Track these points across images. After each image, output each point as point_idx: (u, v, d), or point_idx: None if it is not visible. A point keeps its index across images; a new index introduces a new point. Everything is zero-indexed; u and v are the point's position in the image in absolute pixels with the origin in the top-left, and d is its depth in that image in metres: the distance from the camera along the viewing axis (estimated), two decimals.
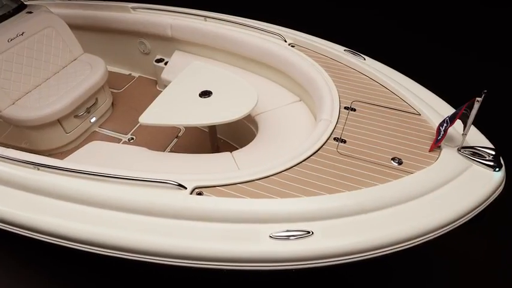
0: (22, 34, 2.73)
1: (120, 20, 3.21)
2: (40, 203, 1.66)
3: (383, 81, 2.20)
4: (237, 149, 2.79)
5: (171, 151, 2.84)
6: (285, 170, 1.69)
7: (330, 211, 1.49)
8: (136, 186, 1.63)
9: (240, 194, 1.58)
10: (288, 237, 1.43)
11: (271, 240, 1.43)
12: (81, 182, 1.66)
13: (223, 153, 2.15)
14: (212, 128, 2.46)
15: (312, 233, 1.44)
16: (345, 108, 2.05)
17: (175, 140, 2.93)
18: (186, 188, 1.59)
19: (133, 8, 3.17)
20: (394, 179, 1.63)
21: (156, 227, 1.52)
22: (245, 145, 2.71)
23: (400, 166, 1.71)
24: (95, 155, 2.17)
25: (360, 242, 1.41)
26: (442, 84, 2.41)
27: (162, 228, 1.51)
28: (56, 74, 2.94)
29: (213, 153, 2.55)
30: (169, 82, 2.88)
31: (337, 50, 2.46)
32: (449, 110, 2.04)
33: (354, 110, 2.04)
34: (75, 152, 2.21)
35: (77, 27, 3.28)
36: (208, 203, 1.53)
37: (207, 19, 2.91)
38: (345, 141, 1.84)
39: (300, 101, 2.56)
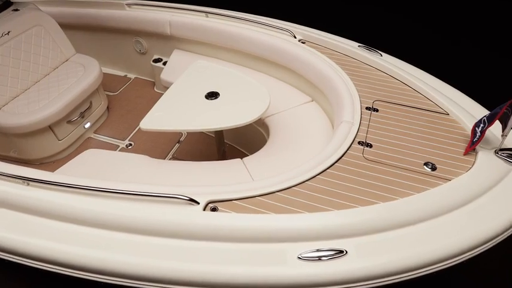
0: (8, 33, 2.51)
1: (114, 18, 3.00)
2: (30, 224, 1.45)
3: (404, 78, 2.03)
4: (245, 154, 2.62)
5: (172, 157, 2.64)
6: (308, 180, 1.51)
7: (364, 226, 1.32)
8: (140, 202, 1.44)
9: (260, 208, 1.39)
10: (319, 258, 1.25)
11: (300, 262, 1.25)
12: (77, 199, 1.46)
13: (233, 160, 1.96)
14: (219, 132, 2.27)
15: (346, 252, 1.26)
16: (367, 108, 1.87)
17: (177, 145, 2.73)
18: (198, 203, 1.40)
19: (129, 5, 2.96)
20: (431, 187, 1.46)
21: (166, 250, 1.32)
22: (253, 150, 2.53)
23: (434, 172, 1.54)
24: (91, 164, 1.97)
25: (402, 261, 1.24)
26: (463, 81, 2.25)
27: (173, 251, 1.31)
28: (46, 76, 2.72)
29: (220, 159, 2.37)
30: (169, 83, 2.69)
31: (351, 46, 2.29)
32: (478, 109, 1.88)
33: (377, 110, 1.86)
34: (69, 162, 2.00)
35: (68, 26, 3.06)
36: (225, 219, 1.34)
37: (209, 15, 2.72)
38: (370, 146, 1.67)
39: (312, 101, 2.39)
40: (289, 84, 2.52)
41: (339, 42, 2.33)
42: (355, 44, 2.33)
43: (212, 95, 2.01)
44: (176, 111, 1.93)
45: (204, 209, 1.39)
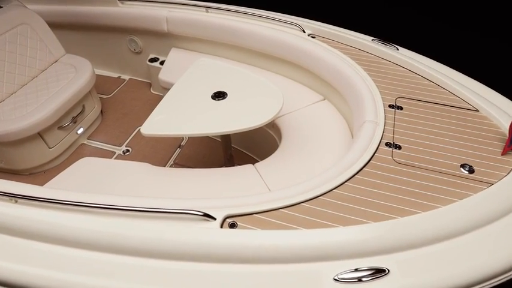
0: None
1: (106, 15, 2.80)
2: (19, 248, 1.25)
3: (426, 73, 1.88)
4: (253, 158, 2.44)
5: (174, 163, 2.45)
6: (336, 188, 1.35)
7: (406, 240, 1.16)
8: (147, 219, 1.26)
9: (286, 222, 1.22)
10: (358, 279, 1.08)
11: (338, 284, 1.08)
12: (74, 218, 1.27)
13: (244, 166, 1.79)
14: (226, 136, 2.09)
15: (388, 271, 1.10)
16: (390, 106, 1.72)
17: (178, 150, 2.54)
18: (214, 219, 1.23)
19: (121, 1, 2.76)
20: (473, 193, 1.31)
21: (179, 275, 1.14)
22: (262, 153, 2.37)
23: (472, 175, 1.39)
24: (87, 175, 1.77)
25: (453, 278, 1.09)
26: (488, 76, 2.11)
27: (188, 276, 1.14)
28: (34, 78, 2.51)
29: (226, 165, 2.19)
30: (168, 84, 2.50)
31: (365, 40, 2.14)
32: (509, 104, 1.75)
33: (401, 108, 1.71)
34: (62, 173, 1.80)
35: (56, 25, 2.85)
36: (248, 237, 1.17)
37: (209, 10, 2.54)
38: (399, 147, 1.51)
39: (324, 100, 2.23)
40: (298, 82, 2.36)
41: (352, 36, 2.18)
42: (369, 38, 2.18)
43: (219, 95, 1.83)
44: (180, 114, 1.75)
45: (222, 226, 1.22)
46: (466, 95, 1.74)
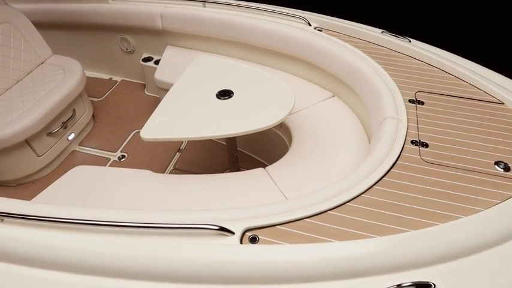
0: None
1: (95, 13, 2.63)
2: (7, 275, 1.09)
3: (444, 65, 1.77)
4: (258, 161, 2.30)
5: (174, 169, 2.30)
6: (364, 192, 1.22)
7: (450, 248, 1.03)
8: (155, 236, 1.10)
9: (313, 233, 1.09)
10: None
11: None
12: (70, 238, 1.11)
13: (254, 170, 1.65)
14: (231, 137, 1.94)
15: (434, 286, 0.97)
16: (410, 101, 1.60)
17: (178, 154, 2.39)
18: (233, 233, 1.08)
19: None
20: None
21: None
22: (268, 155, 2.23)
23: (509, 173, 1.28)
24: (82, 186, 1.60)
25: None
26: (506, 67, 2.01)
27: None
28: (19, 82, 2.33)
29: (231, 169, 2.05)
30: (165, 84, 2.35)
31: (375, 32, 2.02)
32: None
33: (422, 103, 1.60)
34: (54, 184, 1.63)
35: (42, 24, 2.67)
36: (274, 253, 1.03)
37: (206, 5, 2.39)
38: (426, 145, 1.39)
39: (333, 96, 2.10)
40: (304, 78, 2.23)
41: (361, 28, 2.06)
42: (378, 30, 2.06)
43: (225, 94, 1.68)
44: (183, 115, 1.60)
45: (241, 241, 1.07)
46: (488, 87, 1.63)
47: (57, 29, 2.83)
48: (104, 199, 1.49)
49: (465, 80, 1.70)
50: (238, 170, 2.10)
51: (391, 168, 1.30)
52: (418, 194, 1.21)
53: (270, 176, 1.61)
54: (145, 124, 1.56)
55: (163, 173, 2.27)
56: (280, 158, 2.01)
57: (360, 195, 1.20)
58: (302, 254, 1.02)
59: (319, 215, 1.14)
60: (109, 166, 2.32)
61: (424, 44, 2.00)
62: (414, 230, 1.08)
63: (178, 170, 2.28)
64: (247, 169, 2.24)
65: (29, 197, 2.11)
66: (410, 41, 1.99)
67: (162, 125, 1.57)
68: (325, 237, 1.07)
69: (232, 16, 2.27)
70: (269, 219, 1.12)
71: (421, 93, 1.64)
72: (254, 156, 2.31)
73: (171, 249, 1.05)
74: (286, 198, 1.49)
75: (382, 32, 2.05)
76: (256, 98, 1.66)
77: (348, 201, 1.18)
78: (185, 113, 1.61)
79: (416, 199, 1.19)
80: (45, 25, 2.74)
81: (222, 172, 2.24)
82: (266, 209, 1.17)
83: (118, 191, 1.54)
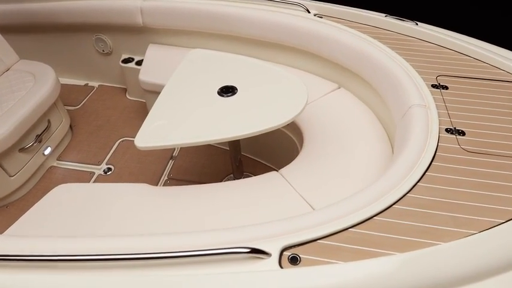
0: None
1: (65, 12, 2.35)
2: None
3: (460, 47, 1.66)
4: (261, 163, 2.11)
5: (168, 178, 2.07)
6: (409, 192, 1.06)
7: None
8: (171, 268, 0.89)
9: (364, 246, 0.91)
10: None
11: None
12: (61, 280, 0.88)
13: (267, 175, 1.46)
14: (235, 140, 1.74)
15: None
16: (433, 86, 1.46)
17: (171, 162, 2.16)
18: (269, 255, 0.89)
19: None
20: None
21: None
22: (273, 157, 2.04)
23: None
24: (68, 209, 1.36)
25: None
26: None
27: None
28: None
29: (235, 174, 1.85)
30: (152, 85, 2.12)
31: (380, 17, 1.88)
32: None
33: (446, 87, 1.46)
34: (32, 209, 1.37)
35: (5, 28, 2.37)
36: (326, 276, 0.84)
37: None
38: (463, 133, 1.25)
39: (340, 88, 1.94)
40: (306, 71, 2.06)
41: (363, 13, 1.91)
42: (382, 15, 1.92)
43: (227, 91, 1.48)
44: (183, 117, 1.39)
45: (281, 263, 0.88)
46: (510, 66, 1.53)
47: (23, 32, 2.53)
48: (97, 224, 1.26)
49: (484, 61, 1.59)
50: (242, 175, 1.91)
51: (432, 161, 1.15)
52: (468, 189, 1.06)
53: (285, 179, 1.43)
54: (140, 130, 1.34)
55: (157, 184, 2.04)
56: (288, 158, 1.83)
57: (405, 195, 1.04)
58: (361, 272, 0.84)
59: (365, 223, 0.97)
60: (94, 181, 2.07)
61: (431, 26, 1.88)
62: (477, 231, 0.93)
63: (174, 179, 2.06)
64: (253, 174, 2.05)
65: (1, 227, 1.82)
66: (417, 24, 1.86)
67: (160, 130, 1.35)
68: (380, 249, 0.90)
69: (222, 7, 2.07)
70: (307, 233, 0.94)
71: (443, 78, 1.51)
72: (257, 159, 2.12)
73: (196, 284, 0.84)
74: (306, 202, 1.32)
75: (386, 16, 1.92)
76: (263, 94, 1.47)
77: (393, 204, 1.02)
78: (185, 114, 1.40)
79: (468, 194, 1.04)
80: (8, 28, 2.44)
81: (224, 178, 2.04)
82: (300, 221, 0.98)
83: (113, 212, 1.31)
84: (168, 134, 1.32)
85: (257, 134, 1.32)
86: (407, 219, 0.98)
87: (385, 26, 1.84)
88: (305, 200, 1.33)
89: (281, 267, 0.87)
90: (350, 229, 0.96)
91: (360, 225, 0.96)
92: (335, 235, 0.94)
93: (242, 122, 1.34)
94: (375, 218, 0.98)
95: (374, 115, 1.76)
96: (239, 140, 1.76)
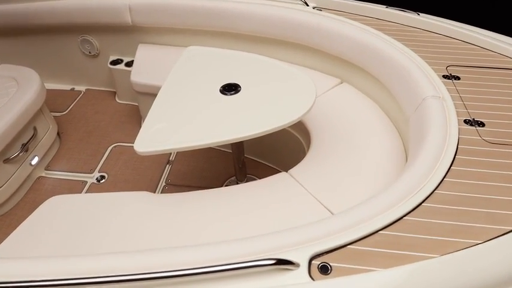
0: None
1: (48, 12, 2.22)
2: None
3: (466, 36, 1.61)
4: (265, 165, 2.03)
5: (167, 184, 1.96)
6: (437, 188, 0.99)
7: None
8: (192, 286, 0.80)
9: (398, 249, 0.84)
10: None
11: None
12: None
13: (276, 176, 1.38)
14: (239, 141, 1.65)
15: None
16: (444, 77, 1.41)
17: (168, 166, 2.05)
18: (296, 265, 0.81)
19: None
20: None
21: None
22: (278, 158, 1.96)
23: None
24: (64, 224, 1.24)
25: None
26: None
27: None
28: None
29: (238, 177, 1.76)
30: (146, 86, 2.01)
31: (380, 8, 1.82)
32: None
33: (458, 78, 1.41)
34: (23, 225, 1.25)
35: None
36: (364, 286, 0.76)
37: None
38: (482, 124, 1.20)
39: (342, 83, 1.88)
40: (305, 66, 1.99)
41: (363, 5, 1.85)
42: (382, 7, 1.87)
43: (230, 88, 1.40)
44: (185, 118, 1.29)
45: (311, 274, 0.80)
46: None
47: (2, 34, 2.38)
48: (98, 239, 1.15)
49: (493, 50, 1.55)
50: (245, 178, 1.82)
51: (456, 154, 1.09)
52: (497, 182, 1.00)
53: (296, 180, 1.35)
54: (139, 134, 1.24)
55: (155, 191, 1.93)
56: (293, 158, 1.76)
57: (433, 192, 0.98)
58: (402, 279, 0.77)
59: (395, 224, 0.90)
60: (87, 190, 1.94)
61: (434, 17, 1.84)
62: None
63: (173, 185, 1.95)
64: (256, 176, 1.96)
65: None
66: (419, 14, 1.81)
67: (161, 133, 1.25)
68: (415, 252, 0.83)
69: (216, 2, 1.98)
70: (335, 239, 0.86)
71: (453, 68, 1.46)
72: (259, 160, 2.03)
73: None
74: (322, 204, 1.24)
75: (386, 7, 1.87)
76: (268, 91, 1.38)
77: (422, 202, 0.95)
78: (186, 115, 1.30)
79: (498, 188, 0.98)
80: None
81: (225, 181, 1.95)
82: (325, 226, 0.90)
83: (114, 225, 1.20)
84: (170, 137, 1.23)
85: (265, 133, 1.23)
86: (438, 218, 0.91)
87: (387, 18, 1.78)
88: (320, 202, 1.26)
89: (312, 278, 0.79)
90: (380, 232, 0.88)
91: (389, 227, 0.89)
92: (365, 239, 0.87)
93: (249, 122, 1.26)
94: (404, 218, 0.91)
95: (380, 109, 1.70)
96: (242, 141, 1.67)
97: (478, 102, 1.29)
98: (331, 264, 0.82)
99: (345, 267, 0.81)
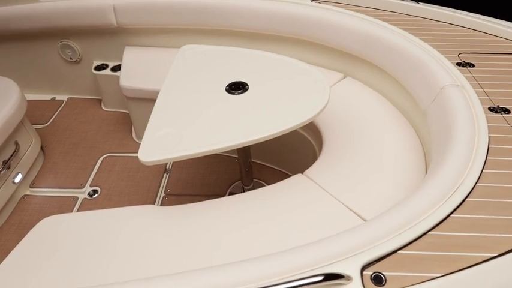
0: None
1: (24, 16, 2.05)
2: None
3: (471, 23, 1.58)
4: (272, 169, 1.93)
5: (166, 195, 1.83)
6: (478, 181, 0.93)
7: None
8: None
9: (453, 251, 0.76)
10: None
11: None
12: None
13: (293, 178, 1.29)
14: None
15: None
16: (459, 65, 1.36)
17: (166, 176, 1.93)
18: (347, 278, 0.71)
19: None
20: None
21: None
22: (285, 159, 1.87)
23: None
24: (62, 249, 1.10)
25: None
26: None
27: None
28: None
29: (244, 182, 1.66)
30: (138, 91, 1.88)
31: None
32: None
33: (472, 65, 1.36)
34: (15, 251, 1.10)
35: None
36: None
37: None
38: (507, 111, 1.15)
39: (346, 77, 1.81)
40: (306, 62, 1.90)
41: None
42: None
43: (237, 87, 1.29)
44: (192, 122, 1.18)
45: (364, 287, 0.71)
46: None
47: None
48: (108, 263, 1.02)
49: (501, 36, 1.52)
50: (251, 183, 1.72)
51: (489, 144, 1.03)
52: None
53: (315, 182, 1.26)
54: (142, 142, 1.12)
55: (154, 203, 1.80)
56: (303, 160, 1.67)
57: (475, 185, 0.91)
58: (467, 285, 0.69)
59: (443, 223, 0.83)
60: (79, 207, 1.79)
61: (433, 5, 1.80)
62: None
63: (173, 195, 1.83)
64: (262, 180, 1.86)
65: None
66: (418, 3, 1.77)
67: (167, 140, 1.13)
68: (471, 253, 0.75)
69: None
70: (383, 245, 0.77)
71: (465, 55, 1.41)
72: (264, 163, 1.93)
73: None
74: (346, 206, 1.16)
75: None
76: (278, 89, 1.29)
77: (466, 197, 0.88)
78: (192, 118, 1.19)
79: None
80: None
81: (229, 187, 1.84)
82: (368, 231, 0.82)
83: (122, 245, 1.07)
84: (178, 143, 1.11)
85: (282, 133, 1.14)
86: (486, 213, 0.84)
87: (388, 8, 1.73)
88: (343, 204, 1.17)
89: None
90: (429, 232, 0.80)
91: (438, 227, 0.82)
92: (415, 242, 0.79)
93: (261, 123, 1.16)
94: (452, 215, 0.84)
95: (389, 102, 1.64)
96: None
97: (498, 89, 1.24)
98: (384, 273, 0.73)
99: (399, 275, 0.73)
